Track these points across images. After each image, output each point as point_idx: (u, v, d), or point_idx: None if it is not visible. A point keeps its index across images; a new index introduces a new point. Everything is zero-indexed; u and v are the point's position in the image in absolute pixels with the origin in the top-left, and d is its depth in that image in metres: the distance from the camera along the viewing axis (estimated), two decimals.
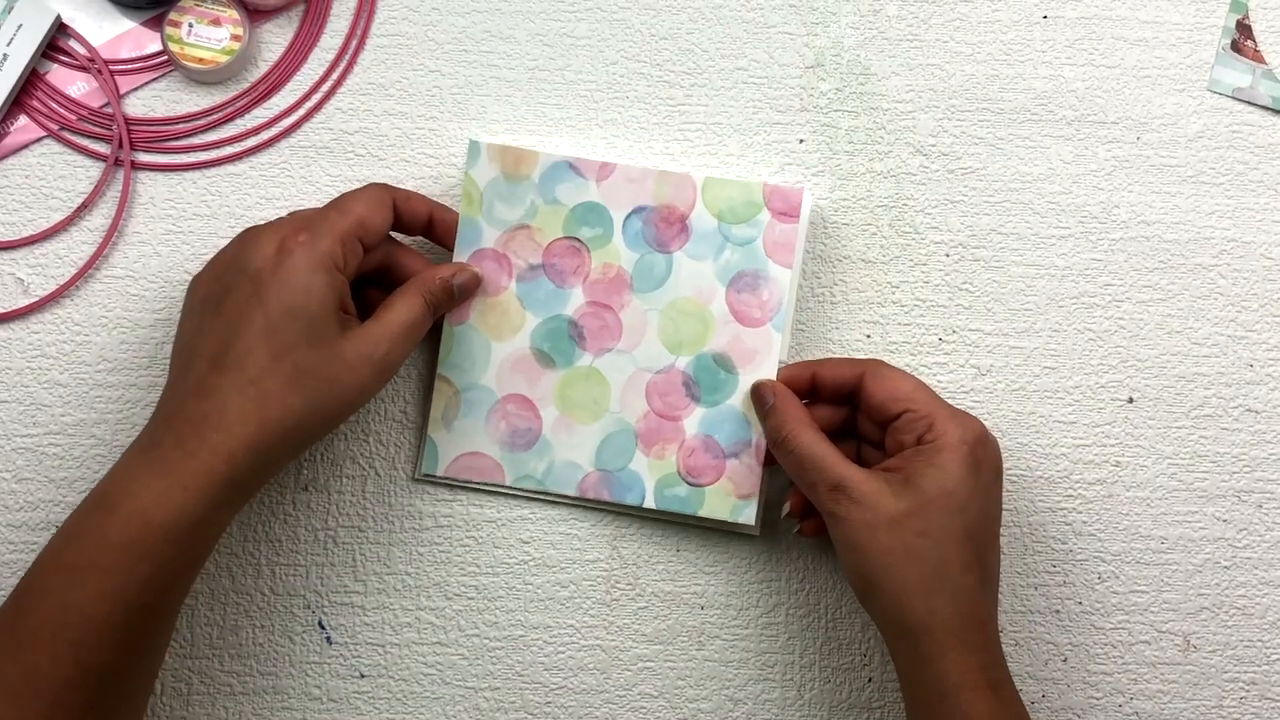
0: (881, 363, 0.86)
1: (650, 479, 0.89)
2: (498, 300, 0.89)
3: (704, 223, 0.89)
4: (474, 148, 0.89)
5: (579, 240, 0.89)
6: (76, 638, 0.74)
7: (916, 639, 0.80)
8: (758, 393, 0.88)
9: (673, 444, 0.89)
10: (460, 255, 0.89)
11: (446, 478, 0.89)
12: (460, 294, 0.87)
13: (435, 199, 0.89)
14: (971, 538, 0.80)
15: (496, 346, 0.89)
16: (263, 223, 0.82)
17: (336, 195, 0.89)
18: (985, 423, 0.89)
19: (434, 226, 0.87)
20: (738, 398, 0.89)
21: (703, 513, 0.89)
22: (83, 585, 0.74)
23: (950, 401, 0.89)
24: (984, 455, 0.82)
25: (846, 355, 0.90)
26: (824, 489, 0.82)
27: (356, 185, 0.89)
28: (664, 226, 0.89)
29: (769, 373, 0.89)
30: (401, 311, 0.82)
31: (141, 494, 0.76)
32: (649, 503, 0.89)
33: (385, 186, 0.85)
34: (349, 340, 0.80)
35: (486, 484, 0.89)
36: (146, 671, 0.78)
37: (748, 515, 0.89)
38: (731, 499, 0.89)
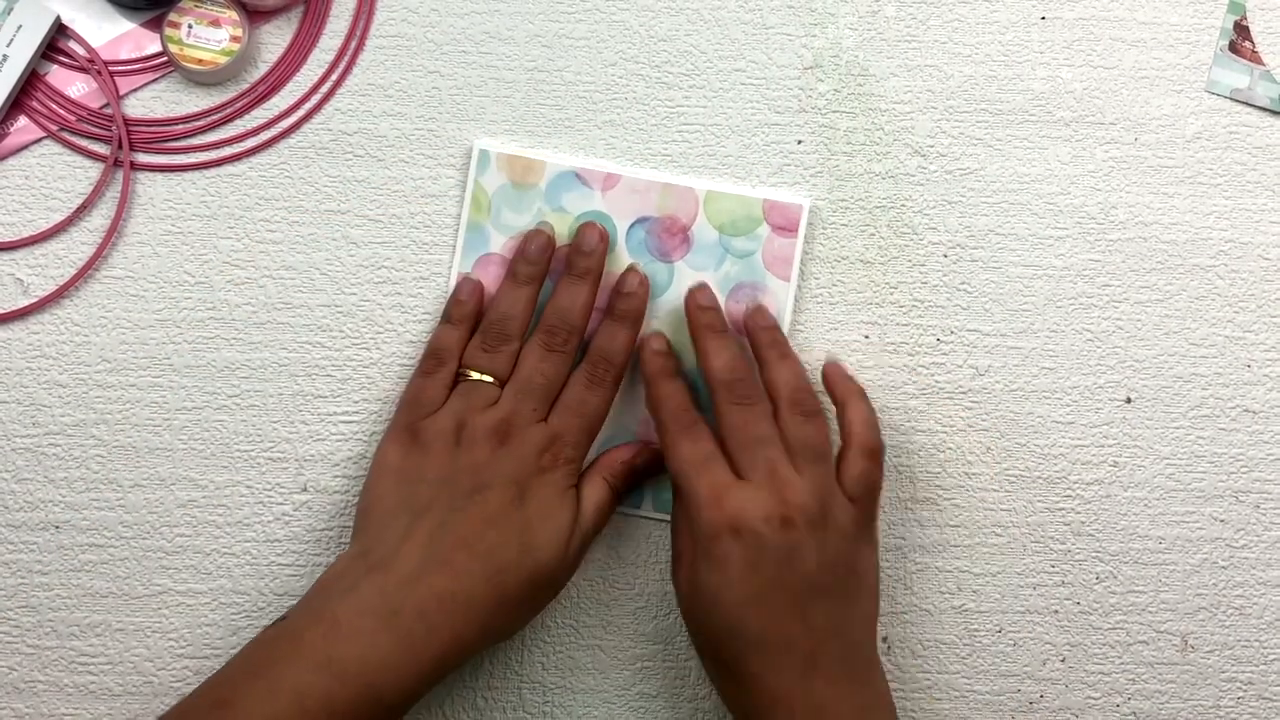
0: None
1: (649, 484, 0.89)
2: None
3: (705, 234, 0.90)
4: (484, 156, 0.89)
5: None
6: None
7: None
8: None
9: None
10: (466, 260, 0.89)
11: None
12: (644, 473, 0.89)
13: (434, 199, 0.89)
14: (733, 635, 0.80)
15: None
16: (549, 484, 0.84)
17: (335, 197, 0.89)
18: (984, 423, 0.90)
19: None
20: None
21: None
22: None
23: (948, 402, 0.90)
24: (729, 551, 0.80)
25: (845, 356, 0.90)
26: (673, 556, 0.85)
27: (356, 186, 0.89)
28: (666, 237, 0.90)
29: None
30: (593, 504, 0.85)
31: (380, 667, 0.77)
32: (647, 507, 0.90)
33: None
34: (574, 545, 0.84)
35: None
36: None
37: None
38: None
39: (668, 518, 0.89)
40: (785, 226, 0.90)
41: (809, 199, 0.91)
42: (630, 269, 0.88)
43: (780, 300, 0.90)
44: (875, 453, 0.85)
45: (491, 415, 0.84)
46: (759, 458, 0.82)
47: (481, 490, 0.82)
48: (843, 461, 0.85)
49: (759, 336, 0.87)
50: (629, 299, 0.87)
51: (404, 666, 0.77)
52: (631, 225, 0.90)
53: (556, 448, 0.84)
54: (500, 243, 0.89)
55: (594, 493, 0.86)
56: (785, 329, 0.89)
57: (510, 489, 0.82)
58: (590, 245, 0.87)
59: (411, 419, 0.85)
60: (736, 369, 0.85)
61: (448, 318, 0.88)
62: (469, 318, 0.87)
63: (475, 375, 0.86)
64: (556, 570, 0.82)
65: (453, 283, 0.89)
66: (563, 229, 0.89)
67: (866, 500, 0.84)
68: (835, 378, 0.88)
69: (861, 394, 0.87)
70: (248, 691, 0.76)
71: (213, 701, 0.77)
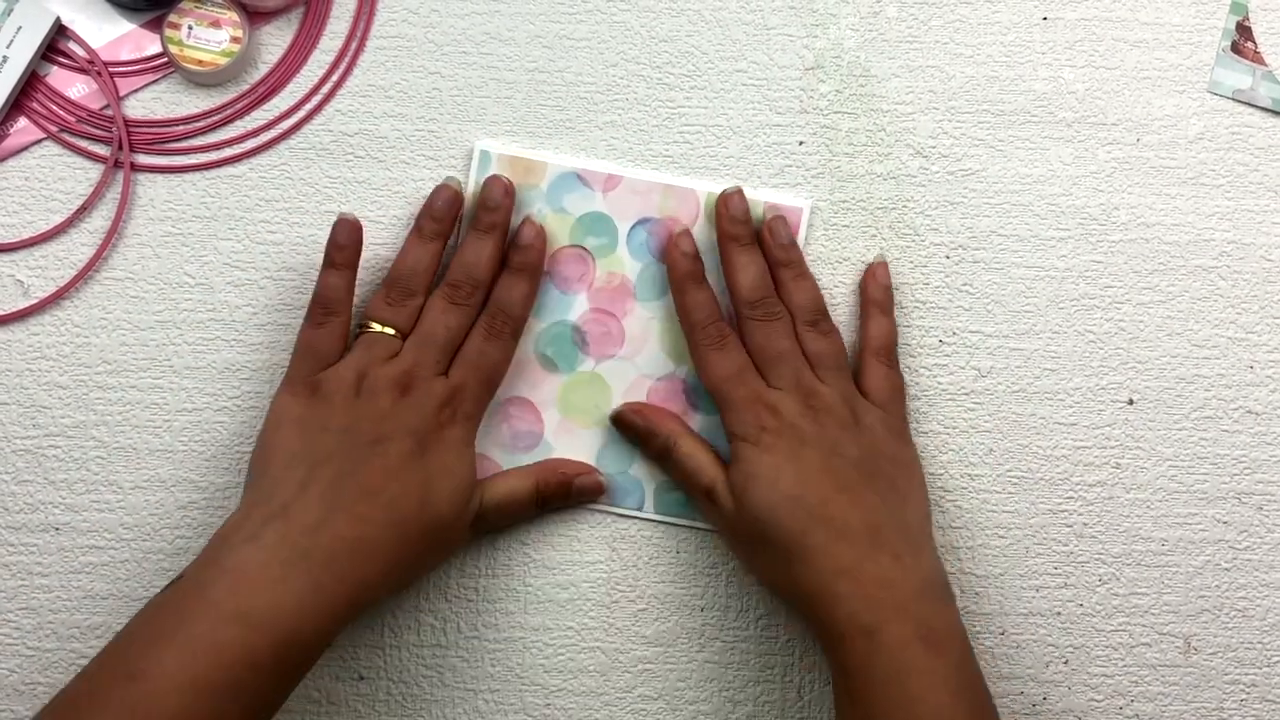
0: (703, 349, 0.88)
1: (649, 484, 0.89)
2: None
3: (707, 236, 0.89)
4: (485, 157, 0.89)
5: (584, 249, 0.90)
6: None
7: (804, 619, 0.85)
8: (623, 421, 0.89)
9: None
10: None
11: None
12: (578, 495, 0.89)
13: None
14: (795, 505, 0.82)
15: None
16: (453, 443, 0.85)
17: (335, 198, 0.89)
18: (986, 424, 0.89)
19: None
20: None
21: (700, 518, 0.90)
22: (218, 709, 0.74)
23: (950, 403, 0.90)
24: (775, 440, 0.84)
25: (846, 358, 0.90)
26: (701, 496, 0.87)
27: (356, 187, 0.89)
28: (667, 238, 0.89)
29: None
30: (508, 490, 0.87)
31: (295, 613, 0.76)
32: (648, 507, 0.90)
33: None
34: (472, 509, 0.85)
35: None
36: None
37: None
38: None
39: (667, 519, 0.90)
40: None
41: (809, 200, 0.90)
42: (526, 220, 0.88)
43: None
44: (890, 357, 0.88)
45: (393, 367, 0.84)
46: (785, 370, 0.86)
47: (382, 441, 0.82)
48: (861, 369, 0.88)
49: (775, 254, 0.88)
50: (526, 251, 0.87)
51: (318, 610, 0.77)
52: (633, 226, 0.90)
53: (456, 402, 0.84)
54: None
55: (517, 483, 0.87)
56: None
57: (409, 441, 0.82)
58: (495, 200, 0.87)
59: (309, 371, 0.84)
60: (760, 286, 0.87)
61: (330, 262, 0.86)
62: (351, 261, 0.86)
63: (377, 327, 0.85)
64: (454, 527, 0.84)
65: None
66: (563, 231, 0.89)
67: (891, 403, 0.87)
68: (866, 287, 0.90)
69: (882, 306, 0.89)
70: (159, 657, 0.74)
71: (124, 674, 0.74)
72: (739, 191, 0.88)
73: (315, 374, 0.84)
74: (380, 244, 0.89)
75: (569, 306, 0.90)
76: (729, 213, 0.88)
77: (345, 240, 0.85)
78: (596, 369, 0.90)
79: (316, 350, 0.84)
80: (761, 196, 0.90)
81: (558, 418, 0.90)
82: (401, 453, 0.81)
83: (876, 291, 0.89)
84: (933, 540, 0.85)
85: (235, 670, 0.74)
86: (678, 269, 0.88)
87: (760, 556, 0.85)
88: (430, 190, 0.88)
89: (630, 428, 0.89)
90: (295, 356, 0.85)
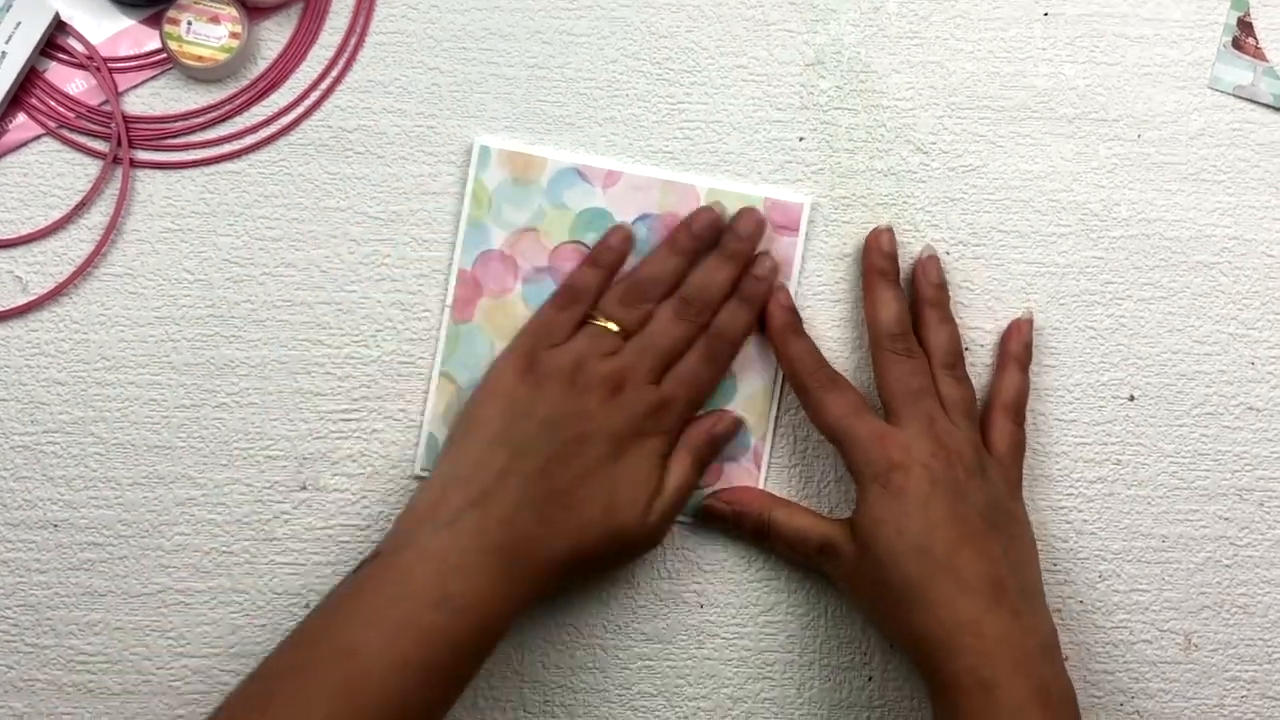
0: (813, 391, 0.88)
1: None
2: (503, 301, 0.89)
3: None
4: (485, 152, 0.89)
5: (584, 244, 0.89)
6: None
7: (918, 666, 0.83)
8: (712, 512, 0.90)
9: None
10: (467, 256, 0.89)
11: None
12: (722, 441, 0.89)
13: (434, 196, 0.89)
14: (921, 555, 0.81)
15: (500, 346, 0.89)
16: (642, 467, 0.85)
17: (334, 194, 0.89)
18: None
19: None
20: (737, 404, 0.89)
21: (697, 516, 0.90)
22: (422, 689, 0.76)
23: None
24: (905, 481, 0.83)
25: (846, 354, 0.90)
26: (815, 554, 0.87)
27: (356, 183, 0.89)
28: (667, 234, 0.89)
29: (766, 379, 0.90)
30: (677, 477, 0.86)
31: (491, 600, 0.79)
32: None
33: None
34: (653, 513, 0.85)
35: None
36: None
37: None
38: None
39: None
40: (786, 225, 0.90)
41: (810, 197, 0.90)
42: (765, 254, 0.89)
43: None
44: (1018, 414, 0.88)
45: (610, 364, 0.85)
46: (919, 409, 0.85)
47: (582, 441, 0.83)
48: (988, 421, 0.88)
49: (924, 292, 0.89)
50: (759, 283, 0.88)
51: (506, 601, 0.79)
52: (633, 222, 0.89)
53: (660, 414, 0.85)
54: (501, 239, 0.89)
55: (679, 468, 0.87)
56: None
57: (607, 445, 0.83)
58: (747, 231, 0.88)
59: (534, 346, 0.86)
60: (902, 322, 0.87)
61: (594, 259, 0.88)
62: (613, 265, 0.88)
63: (603, 322, 0.86)
64: (634, 535, 0.84)
65: (453, 280, 0.89)
66: (563, 226, 0.89)
67: (1011, 460, 0.87)
68: (1007, 340, 0.90)
69: (1020, 362, 0.89)
70: (371, 635, 0.77)
71: (338, 650, 0.77)
72: (890, 230, 0.89)
73: (538, 350, 0.86)
74: (380, 240, 0.89)
75: None
76: (879, 248, 0.89)
77: (616, 244, 0.88)
78: None
79: (550, 330, 0.87)
80: (761, 192, 0.90)
81: None
82: (598, 456, 0.83)
83: (1017, 347, 0.90)
84: (1045, 598, 0.85)
85: (438, 652, 0.77)
86: (775, 322, 0.88)
87: (881, 603, 0.84)
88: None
89: (720, 516, 0.89)
90: (528, 329, 0.88)
